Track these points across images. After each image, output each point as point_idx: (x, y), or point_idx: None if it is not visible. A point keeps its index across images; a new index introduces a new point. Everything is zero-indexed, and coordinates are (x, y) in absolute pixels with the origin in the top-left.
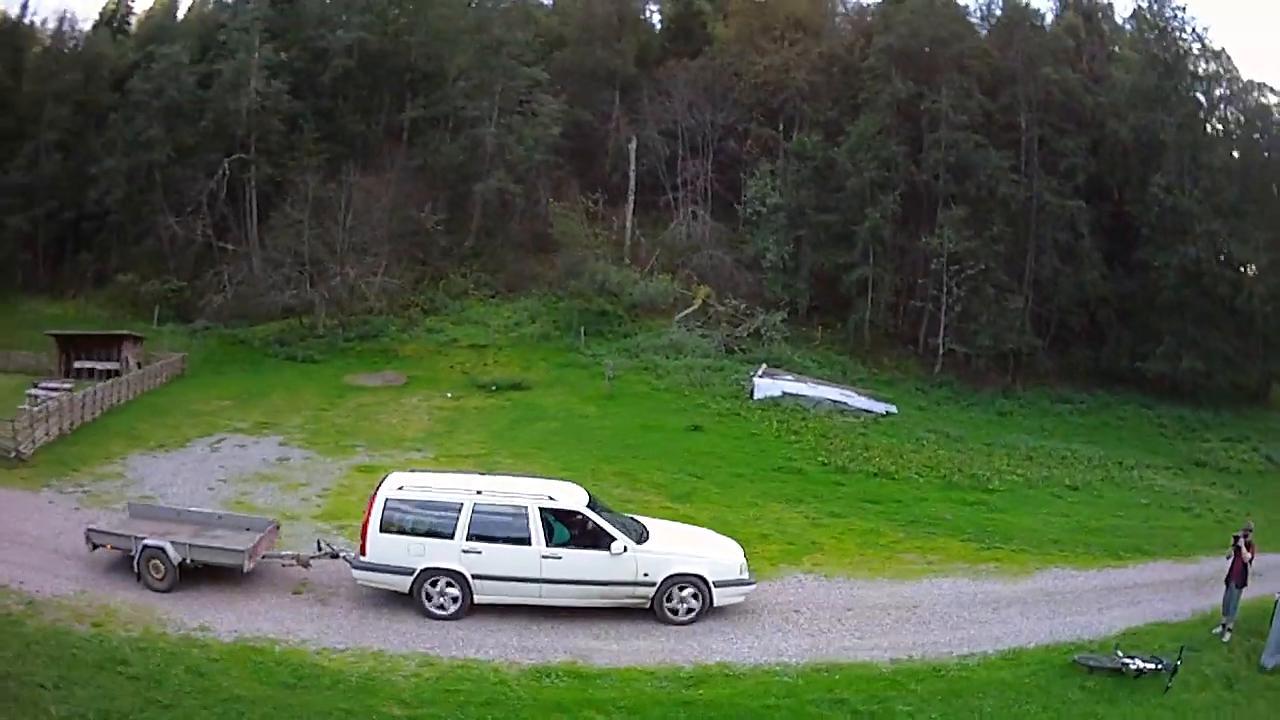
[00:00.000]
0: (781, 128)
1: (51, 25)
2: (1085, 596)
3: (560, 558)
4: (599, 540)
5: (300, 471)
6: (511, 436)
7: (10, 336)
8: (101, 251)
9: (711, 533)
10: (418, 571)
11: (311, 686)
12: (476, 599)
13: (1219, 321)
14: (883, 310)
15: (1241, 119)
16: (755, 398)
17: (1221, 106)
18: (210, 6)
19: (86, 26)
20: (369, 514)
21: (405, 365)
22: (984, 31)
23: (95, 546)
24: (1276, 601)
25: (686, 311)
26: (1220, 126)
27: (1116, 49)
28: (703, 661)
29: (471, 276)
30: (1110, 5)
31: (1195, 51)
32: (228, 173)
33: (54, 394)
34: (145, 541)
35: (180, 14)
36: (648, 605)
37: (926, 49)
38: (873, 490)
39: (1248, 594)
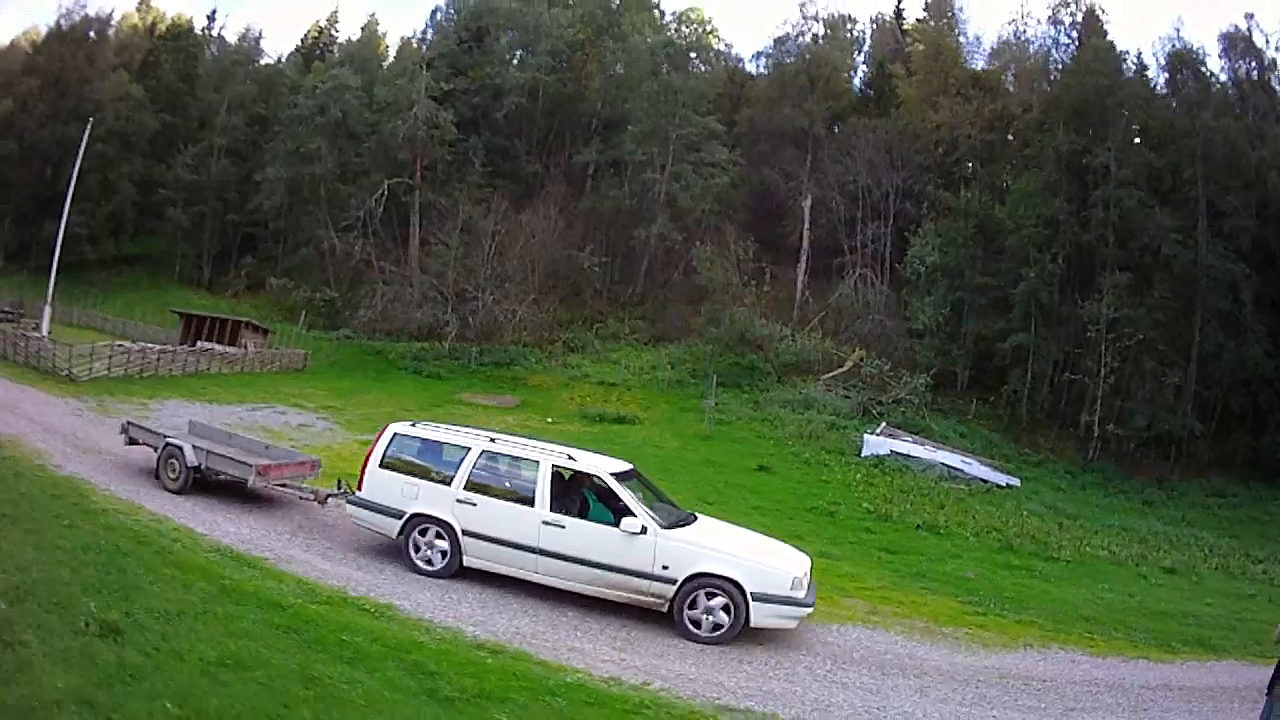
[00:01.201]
0: (956, 188)
1: (233, 39)
2: (1063, 689)
3: (563, 526)
4: (615, 516)
5: (311, 435)
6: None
7: (150, 316)
8: (265, 259)
9: (781, 543)
10: (407, 516)
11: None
12: (466, 560)
13: None
14: (1040, 384)
15: None
16: (862, 455)
17: None
18: (411, 41)
19: (271, 43)
20: (372, 449)
21: (527, 393)
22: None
23: (130, 441)
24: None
25: (836, 373)
26: None
27: None
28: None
29: (629, 322)
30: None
31: None
32: (386, 194)
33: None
34: (169, 439)
35: (382, 47)
36: (665, 608)
37: (1090, 100)
38: (902, 541)
39: None
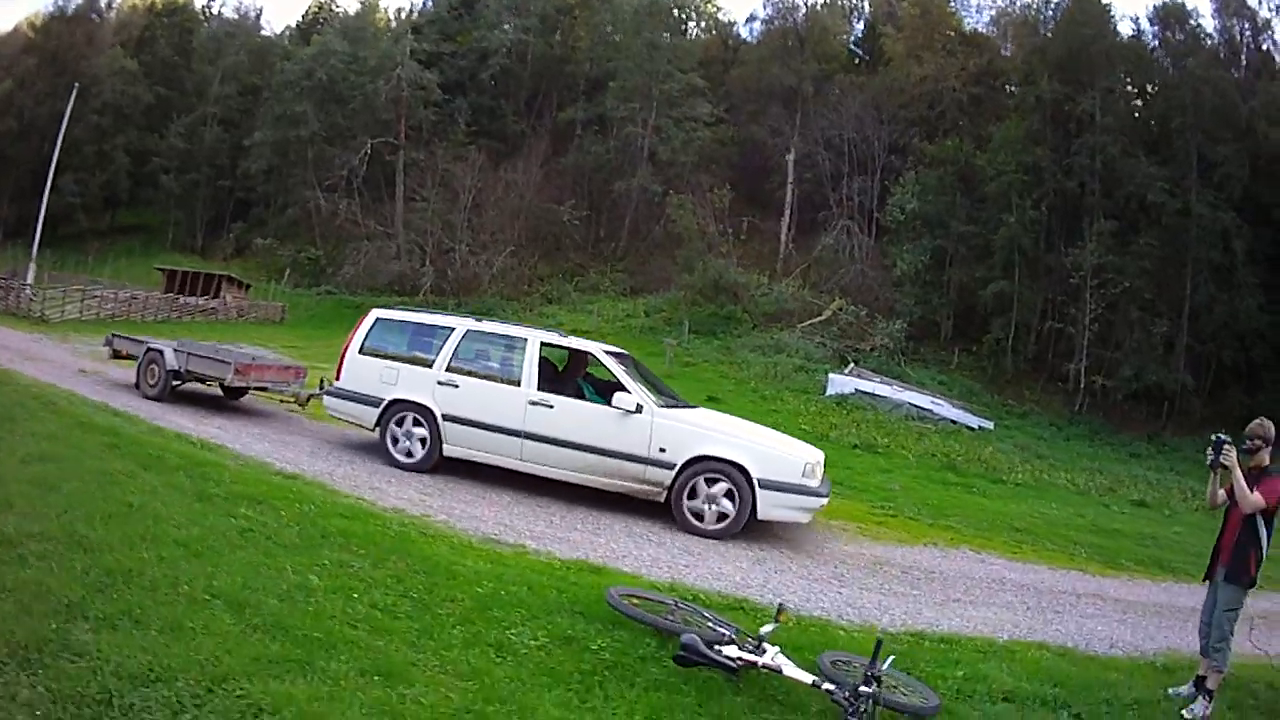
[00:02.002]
0: (940, 140)
1: (230, 13)
2: (951, 581)
3: (551, 406)
4: (608, 396)
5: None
6: None
7: (141, 280)
8: (255, 223)
9: (792, 438)
10: (386, 403)
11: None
12: (446, 449)
13: None
14: (1024, 334)
15: None
16: (826, 394)
17: None
18: (403, 12)
19: (270, 19)
20: (353, 335)
21: None
22: (1138, 33)
23: (115, 354)
24: None
25: (813, 320)
26: None
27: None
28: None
29: (610, 275)
30: (1270, 20)
31: None
32: (370, 153)
33: None
34: (150, 344)
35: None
36: (662, 497)
37: (1076, 49)
38: (834, 457)
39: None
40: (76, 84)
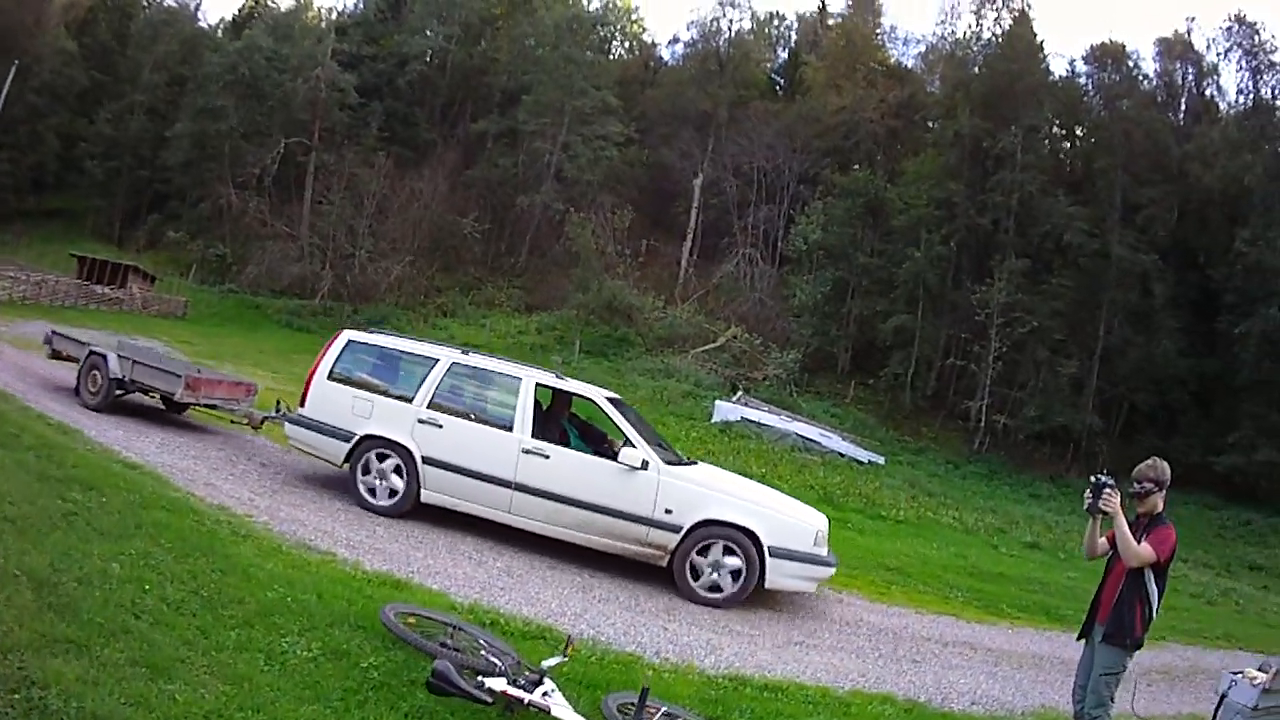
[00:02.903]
0: (853, 171)
1: (173, 3)
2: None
3: (547, 456)
4: (608, 447)
5: None
6: None
7: (59, 265)
8: (170, 216)
9: (793, 499)
10: (358, 438)
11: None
12: (425, 495)
13: None
14: (925, 370)
15: None
16: (711, 420)
17: None
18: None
19: (208, 10)
20: (321, 357)
21: None
22: (1071, 73)
23: (54, 353)
24: (1221, 699)
25: (707, 347)
26: None
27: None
28: None
29: (507, 290)
30: (1217, 64)
31: None
32: (282, 153)
33: None
34: (93, 348)
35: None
36: (665, 562)
37: (1002, 86)
38: None
39: (1171, 701)
40: (16, 62)
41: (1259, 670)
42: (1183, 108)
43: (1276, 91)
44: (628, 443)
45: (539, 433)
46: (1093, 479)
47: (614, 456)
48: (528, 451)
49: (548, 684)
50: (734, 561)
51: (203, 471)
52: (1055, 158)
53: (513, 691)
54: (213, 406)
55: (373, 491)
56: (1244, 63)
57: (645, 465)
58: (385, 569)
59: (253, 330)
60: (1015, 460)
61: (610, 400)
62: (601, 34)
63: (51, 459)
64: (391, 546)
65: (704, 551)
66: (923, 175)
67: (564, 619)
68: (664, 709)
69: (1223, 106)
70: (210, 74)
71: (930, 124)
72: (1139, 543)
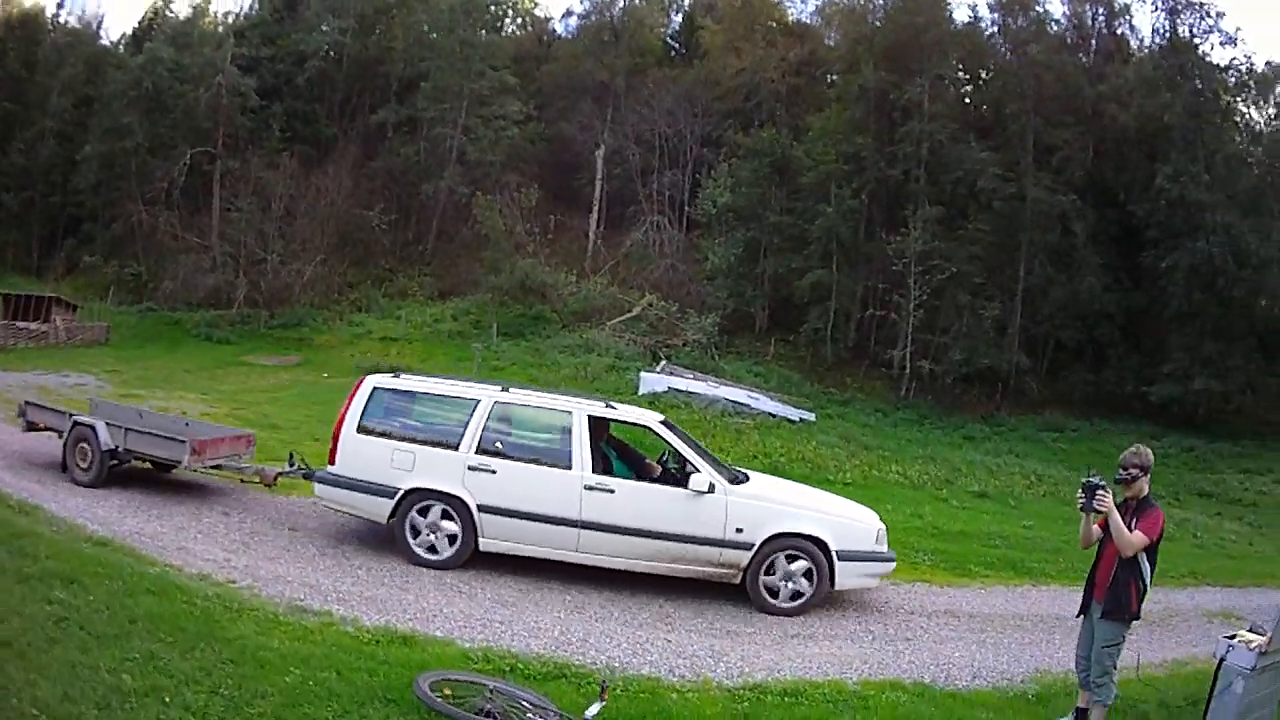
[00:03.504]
0: (756, 131)
1: (75, 23)
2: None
3: (612, 491)
4: (671, 474)
5: (80, 393)
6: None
7: None
8: (84, 240)
9: (847, 500)
10: (402, 492)
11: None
12: (483, 544)
13: (1239, 335)
14: (844, 322)
15: (1265, 110)
16: (639, 393)
17: (1240, 95)
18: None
19: (112, 26)
20: (346, 409)
21: (311, 352)
22: (975, 19)
23: (30, 425)
24: (1212, 690)
25: (623, 318)
26: (1241, 117)
27: (1130, 41)
28: None
29: (418, 279)
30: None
31: (1209, 31)
32: (189, 164)
33: None
34: (77, 418)
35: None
36: (738, 579)
37: (906, 38)
38: None
39: (1155, 648)
40: None
41: (1250, 633)
42: (1094, 48)
43: (1195, 30)
44: (692, 468)
45: (596, 464)
46: (1084, 482)
47: (671, 481)
48: (591, 488)
49: None
50: (804, 569)
51: (170, 534)
52: (964, 105)
53: None
54: (217, 467)
55: (431, 548)
56: (1159, 2)
57: (712, 489)
58: (383, 622)
59: (174, 348)
60: (944, 404)
61: (663, 423)
62: (494, 13)
63: (24, 552)
64: (378, 592)
65: (779, 563)
66: (829, 131)
67: (572, 648)
68: None
69: (1135, 45)
70: (115, 92)
71: (833, 79)
72: (1131, 529)
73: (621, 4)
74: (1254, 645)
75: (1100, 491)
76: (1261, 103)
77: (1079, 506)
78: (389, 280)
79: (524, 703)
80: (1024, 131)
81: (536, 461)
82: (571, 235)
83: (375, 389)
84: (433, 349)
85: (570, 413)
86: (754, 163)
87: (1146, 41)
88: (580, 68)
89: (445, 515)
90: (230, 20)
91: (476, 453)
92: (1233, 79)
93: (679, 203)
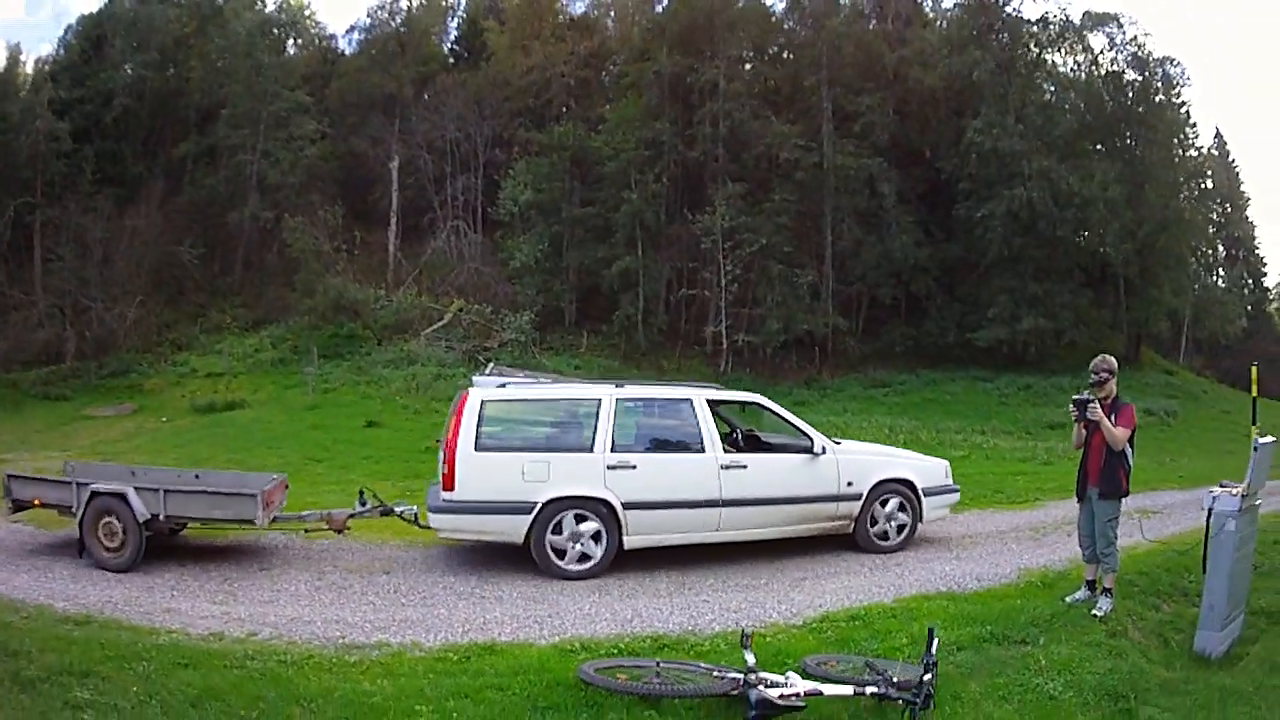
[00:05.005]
0: (550, 128)
1: None
2: None
3: (745, 466)
4: (778, 449)
5: None
6: (183, 443)
7: None
8: None
9: (905, 449)
10: (540, 505)
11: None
12: (629, 541)
13: (1065, 273)
14: (655, 305)
15: (1077, 58)
16: None
17: (1056, 47)
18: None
19: None
20: (455, 428)
21: (144, 398)
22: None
23: (17, 506)
24: (1207, 535)
25: (436, 326)
26: (1055, 67)
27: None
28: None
29: (230, 311)
30: None
31: None
32: (12, 216)
33: None
34: (94, 487)
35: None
36: (850, 528)
37: (698, 22)
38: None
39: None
40: None
41: (1221, 487)
42: (891, 15)
43: None
44: (809, 438)
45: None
46: (1074, 399)
47: (755, 448)
48: (726, 467)
49: (782, 676)
50: (900, 509)
51: (142, 596)
52: (762, 82)
53: (787, 691)
54: (273, 521)
55: (579, 558)
56: None
57: (824, 450)
58: (444, 640)
59: (18, 410)
60: (765, 373)
61: (765, 400)
62: (277, 35)
63: (8, 651)
64: (410, 614)
65: (879, 509)
66: (626, 119)
67: (664, 623)
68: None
69: (933, 9)
70: None
71: (626, 68)
72: (1116, 426)
73: (402, 14)
74: (1235, 491)
75: (1091, 405)
76: (1079, 50)
77: (1073, 418)
78: (203, 316)
79: (697, 669)
80: (823, 101)
81: (670, 450)
82: (371, 251)
83: (483, 401)
84: (259, 380)
85: (690, 399)
86: (552, 158)
87: (948, 4)
88: (368, 81)
89: (582, 519)
90: (45, 65)
91: (612, 451)
92: (1049, 31)
93: (474, 207)
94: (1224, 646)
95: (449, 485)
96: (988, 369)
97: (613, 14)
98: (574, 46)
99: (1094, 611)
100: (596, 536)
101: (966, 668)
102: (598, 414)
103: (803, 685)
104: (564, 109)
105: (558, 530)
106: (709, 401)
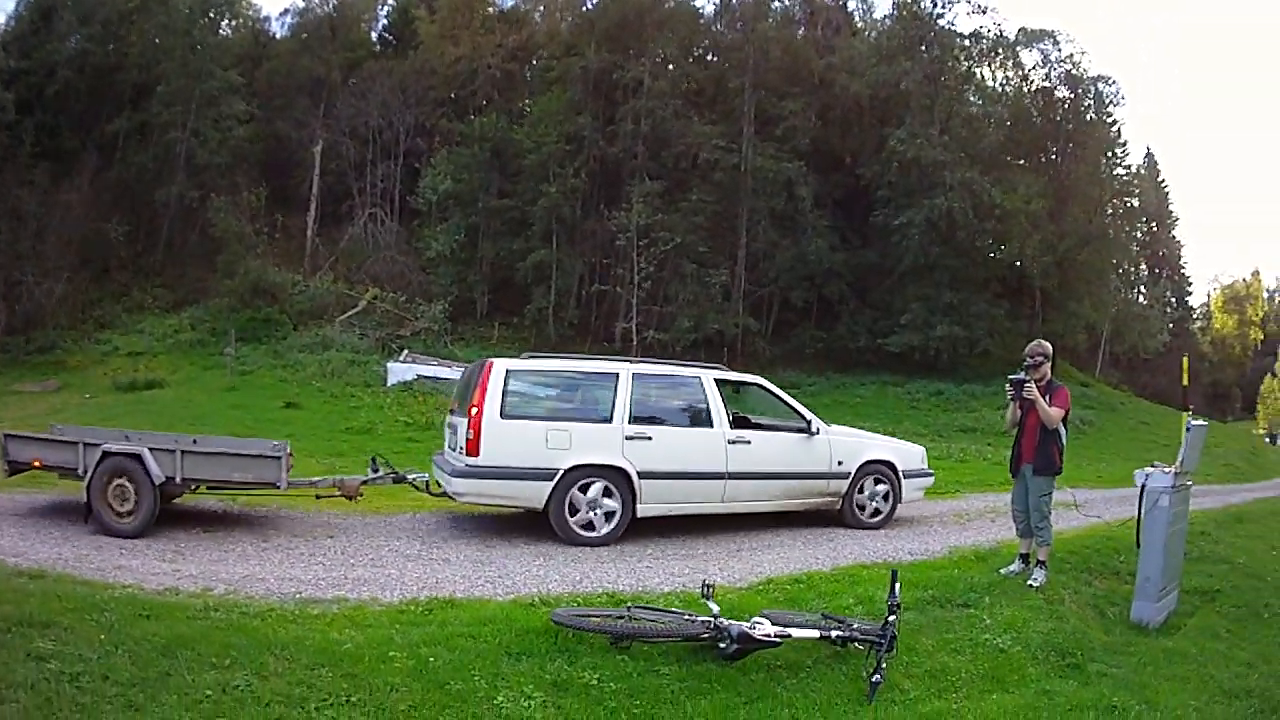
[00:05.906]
0: (472, 119)
1: None
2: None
3: (749, 442)
4: (767, 429)
5: None
6: (112, 417)
7: None
8: None
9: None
10: (561, 473)
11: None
12: (641, 509)
13: (982, 283)
14: (566, 299)
15: (1007, 73)
16: (389, 384)
17: (987, 61)
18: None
19: None
20: (481, 397)
21: (68, 375)
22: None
23: (14, 468)
24: (1140, 511)
25: (351, 313)
26: (993, 82)
27: (858, 16)
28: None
29: (152, 290)
30: None
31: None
32: None
33: None
34: (106, 448)
35: None
36: (838, 505)
37: (628, 19)
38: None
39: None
40: None
41: (1153, 467)
42: (819, 23)
43: (940, 1)
44: (806, 419)
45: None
46: (1010, 379)
47: (747, 427)
48: (733, 442)
49: (753, 620)
50: (883, 489)
51: (93, 554)
52: (687, 82)
53: (762, 632)
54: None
55: (588, 525)
56: None
57: (818, 430)
58: (402, 596)
59: None
60: None
61: (764, 382)
62: (212, 18)
63: None
64: (363, 573)
65: (866, 486)
66: (550, 113)
67: (630, 583)
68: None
69: (863, 20)
70: None
71: (553, 62)
72: (1051, 406)
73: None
74: (1168, 470)
75: (1028, 385)
76: (1009, 65)
77: (1009, 397)
78: (126, 295)
79: (668, 616)
80: (746, 104)
81: (682, 424)
82: (290, 235)
83: (508, 371)
84: (178, 360)
85: (699, 377)
86: (473, 148)
87: (879, 15)
88: (297, 65)
89: (603, 490)
90: None
91: (630, 423)
92: (979, 46)
93: (392, 195)
94: (1160, 617)
95: (473, 451)
96: (899, 374)
97: (542, 8)
98: (502, 39)
99: (1030, 582)
100: (613, 503)
101: (915, 625)
102: (616, 387)
103: (772, 629)
104: (487, 100)
105: (580, 494)
106: (717, 380)
